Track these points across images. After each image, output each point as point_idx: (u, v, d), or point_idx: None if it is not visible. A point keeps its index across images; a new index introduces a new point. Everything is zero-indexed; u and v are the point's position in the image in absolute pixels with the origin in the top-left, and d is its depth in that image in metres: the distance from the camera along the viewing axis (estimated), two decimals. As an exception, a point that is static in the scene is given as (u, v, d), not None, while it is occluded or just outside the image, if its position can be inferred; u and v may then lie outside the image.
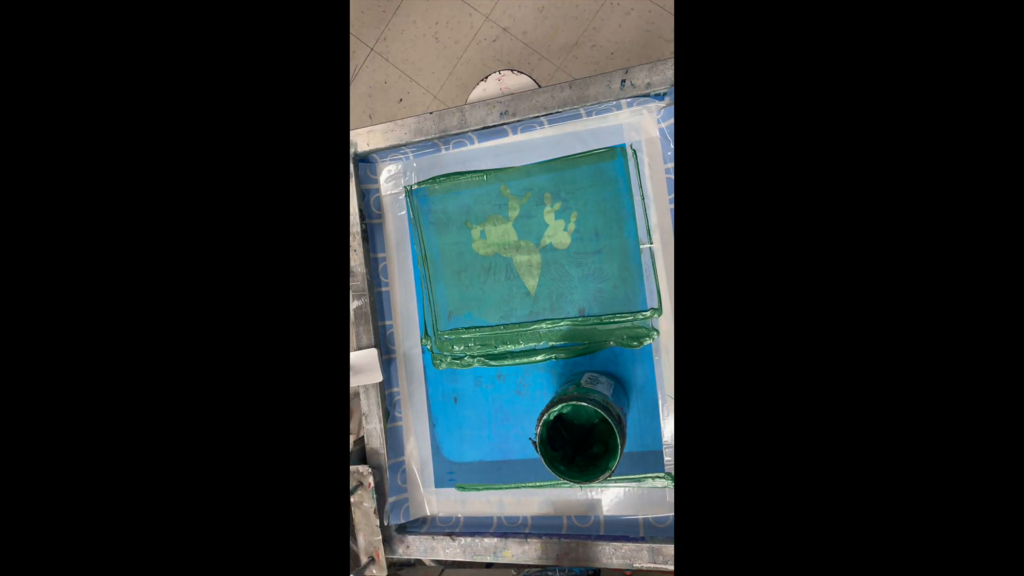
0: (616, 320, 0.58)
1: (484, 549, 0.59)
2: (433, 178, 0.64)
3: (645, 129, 0.58)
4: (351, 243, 0.64)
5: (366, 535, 0.61)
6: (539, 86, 0.63)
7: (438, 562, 0.69)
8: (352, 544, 0.61)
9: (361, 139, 0.64)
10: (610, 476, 0.49)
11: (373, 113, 1.59)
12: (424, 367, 0.65)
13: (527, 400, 0.62)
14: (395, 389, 0.65)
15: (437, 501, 0.64)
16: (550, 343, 0.61)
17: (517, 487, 0.61)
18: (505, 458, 0.62)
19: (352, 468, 0.61)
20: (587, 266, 0.59)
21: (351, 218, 0.63)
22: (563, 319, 0.60)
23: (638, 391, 0.58)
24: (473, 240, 0.63)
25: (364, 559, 0.61)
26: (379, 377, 0.63)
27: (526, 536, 0.58)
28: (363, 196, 0.65)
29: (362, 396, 0.63)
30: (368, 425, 0.63)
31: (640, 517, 0.57)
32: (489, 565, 0.70)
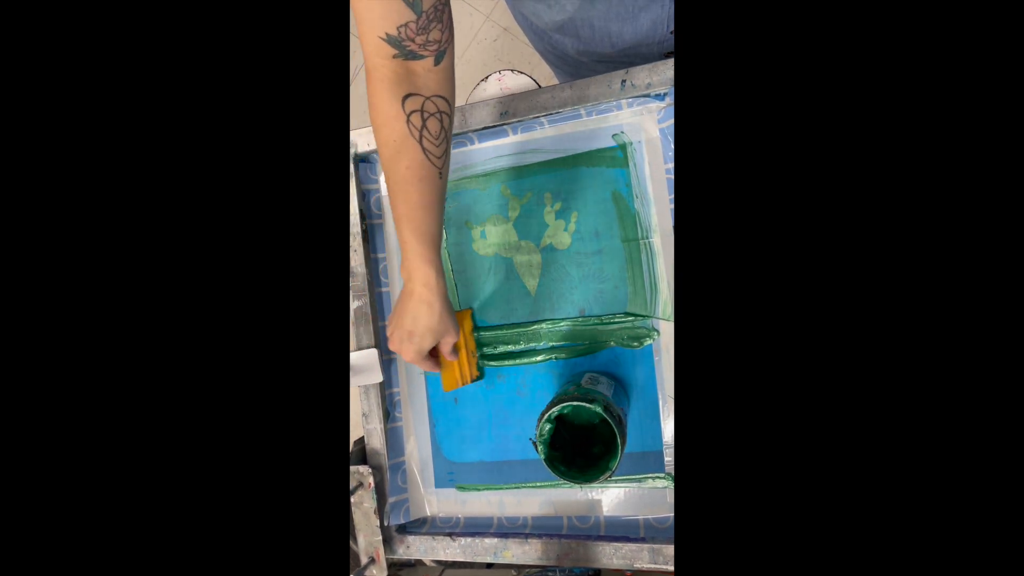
0: (616, 320, 0.58)
1: (484, 549, 0.59)
2: (433, 178, 0.64)
3: (645, 129, 0.58)
4: (351, 243, 0.64)
5: (366, 535, 0.61)
6: (539, 86, 0.63)
7: (438, 562, 0.69)
8: (352, 544, 0.61)
9: (361, 139, 0.64)
10: (610, 476, 0.49)
11: (373, 113, 1.59)
12: (424, 367, 0.65)
13: (527, 400, 0.62)
14: (395, 389, 0.65)
15: (437, 501, 0.64)
16: (550, 343, 0.61)
17: (517, 487, 0.61)
18: (505, 458, 0.62)
19: (352, 468, 0.61)
20: (587, 266, 0.59)
21: (351, 218, 0.63)
22: (563, 319, 0.60)
23: (638, 391, 0.58)
24: (473, 240, 0.63)
25: (364, 559, 0.61)
26: (379, 377, 0.62)
27: (526, 536, 0.58)
28: (363, 196, 0.65)
29: (362, 396, 0.63)
30: (368, 425, 0.63)
31: (640, 517, 0.57)
32: (489, 565, 0.70)
